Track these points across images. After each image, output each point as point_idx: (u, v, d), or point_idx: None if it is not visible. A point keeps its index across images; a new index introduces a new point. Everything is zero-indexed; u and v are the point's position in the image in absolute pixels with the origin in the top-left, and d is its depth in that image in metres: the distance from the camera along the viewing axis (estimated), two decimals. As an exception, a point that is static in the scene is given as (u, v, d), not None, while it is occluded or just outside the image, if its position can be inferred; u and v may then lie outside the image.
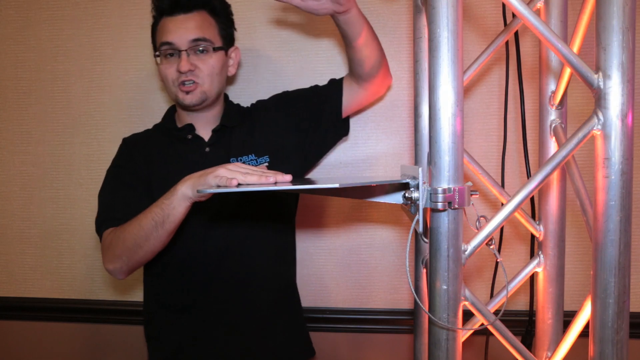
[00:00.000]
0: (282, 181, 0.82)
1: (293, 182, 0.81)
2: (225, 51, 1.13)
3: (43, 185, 1.46)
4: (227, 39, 1.14)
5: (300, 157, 1.17)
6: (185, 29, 1.06)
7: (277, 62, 1.37)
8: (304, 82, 1.36)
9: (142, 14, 1.40)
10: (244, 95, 1.35)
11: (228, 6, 1.16)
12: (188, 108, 1.11)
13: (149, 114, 1.41)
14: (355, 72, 1.12)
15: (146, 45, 1.40)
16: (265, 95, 1.37)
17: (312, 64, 1.36)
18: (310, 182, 0.79)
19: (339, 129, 1.20)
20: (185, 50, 1.05)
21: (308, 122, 1.16)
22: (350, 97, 1.16)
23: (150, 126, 1.23)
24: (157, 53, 1.09)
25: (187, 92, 1.07)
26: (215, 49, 1.09)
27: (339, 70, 1.35)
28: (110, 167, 1.15)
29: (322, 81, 1.35)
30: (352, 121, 1.35)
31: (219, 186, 0.84)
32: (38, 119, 1.45)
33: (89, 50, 1.42)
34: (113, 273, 1.03)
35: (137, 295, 1.45)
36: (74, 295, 1.47)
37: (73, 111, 1.44)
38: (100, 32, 1.41)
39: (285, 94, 1.22)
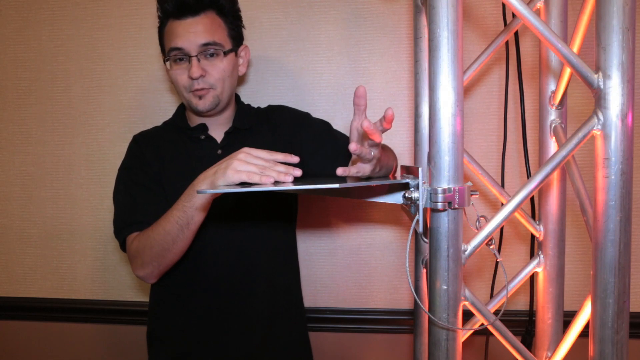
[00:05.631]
0: (293, 174, 0.82)
1: (293, 182, 0.81)
2: (235, 52, 1.11)
3: (43, 185, 1.46)
4: (237, 39, 1.12)
5: (317, 166, 1.15)
6: (194, 33, 1.03)
7: (277, 62, 1.37)
8: (304, 82, 1.36)
9: (142, 14, 1.40)
10: (243, 94, 1.35)
11: (235, 3, 1.13)
12: (202, 114, 1.10)
13: (149, 114, 1.41)
14: None
15: (146, 46, 1.40)
16: (264, 95, 1.37)
17: (312, 64, 1.36)
18: (310, 182, 0.79)
19: None
20: (196, 55, 1.03)
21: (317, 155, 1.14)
22: None
23: (150, 127, 1.23)
24: (167, 58, 1.07)
25: (200, 98, 1.06)
26: (225, 53, 1.07)
27: (338, 70, 1.35)
28: (122, 165, 1.14)
29: (322, 81, 1.35)
30: (352, 121, 1.35)
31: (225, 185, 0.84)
32: (38, 119, 1.45)
33: (89, 50, 1.42)
34: (144, 279, 1.04)
35: (138, 296, 1.46)
36: (73, 295, 1.47)
37: (73, 111, 1.44)
38: (100, 32, 1.41)
39: (309, 120, 1.21)
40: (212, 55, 1.06)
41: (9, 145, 1.47)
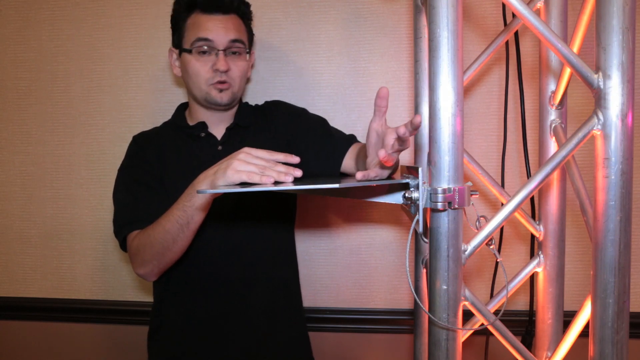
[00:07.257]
0: (294, 174, 0.81)
1: (293, 181, 0.81)
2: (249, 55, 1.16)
3: (43, 185, 1.46)
4: (251, 43, 1.18)
5: (316, 167, 1.15)
6: (225, 28, 1.07)
7: (277, 62, 1.37)
8: (304, 82, 1.36)
9: (142, 14, 1.40)
10: (244, 94, 1.36)
11: (252, 12, 1.18)
12: (217, 107, 1.11)
13: (149, 114, 1.41)
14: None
15: (146, 45, 1.40)
16: (264, 95, 1.37)
17: (312, 64, 1.36)
18: (310, 182, 0.79)
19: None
20: (224, 50, 1.07)
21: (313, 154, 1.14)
22: (351, 164, 1.11)
23: (150, 126, 1.23)
24: (188, 48, 1.08)
25: (221, 91, 1.09)
26: (247, 53, 1.12)
27: (338, 70, 1.35)
28: (122, 165, 1.15)
29: (322, 81, 1.35)
30: (352, 121, 1.35)
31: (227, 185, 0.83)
32: (38, 119, 1.45)
33: (89, 50, 1.42)
34: (144, 277, 1.05)
35: (138, 296, 1.46)
36: (73, 295, 1.47)
37: (73, 111, 1.44)
38: (100, 32, 1.41)
39: (306, 117, 1.21)
40: (235, 53, 1.10)
41: (9, 145, 1.47)
